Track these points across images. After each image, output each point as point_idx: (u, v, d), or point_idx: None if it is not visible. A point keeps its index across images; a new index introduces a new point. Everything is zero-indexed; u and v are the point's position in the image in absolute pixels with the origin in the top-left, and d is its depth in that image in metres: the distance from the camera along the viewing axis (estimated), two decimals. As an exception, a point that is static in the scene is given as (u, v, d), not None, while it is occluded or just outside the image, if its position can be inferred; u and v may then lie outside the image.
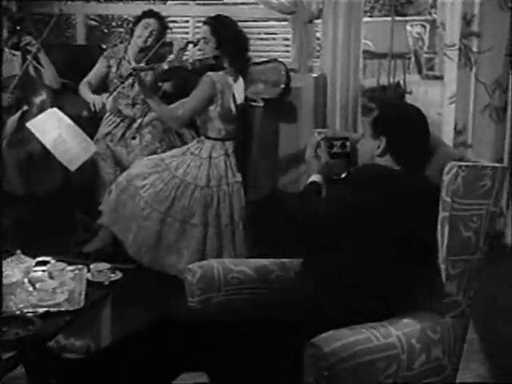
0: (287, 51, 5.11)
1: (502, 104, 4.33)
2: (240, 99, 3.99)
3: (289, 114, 4.80)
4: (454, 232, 2.25)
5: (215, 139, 3.94)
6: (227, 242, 3.89)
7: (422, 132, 2.41)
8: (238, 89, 3.97)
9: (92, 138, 4.31)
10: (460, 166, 2.21)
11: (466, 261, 2.30)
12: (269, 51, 5.16)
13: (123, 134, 4.50)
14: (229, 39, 3.88)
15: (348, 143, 2.58)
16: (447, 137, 4.47)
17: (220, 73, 3.87)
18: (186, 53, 4.18)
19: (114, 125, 4.53)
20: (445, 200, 2.24)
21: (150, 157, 4.11)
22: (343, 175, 2.57)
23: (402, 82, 8.45)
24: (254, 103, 4.11)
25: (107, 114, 4.55)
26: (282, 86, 4.72)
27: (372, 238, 2.26)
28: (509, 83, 4.31)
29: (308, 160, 2.57)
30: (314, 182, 2.50)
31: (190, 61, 3.90)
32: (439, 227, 2.27)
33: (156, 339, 2.28)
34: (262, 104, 4.12)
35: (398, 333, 2.14)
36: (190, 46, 4.12)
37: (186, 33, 5.47)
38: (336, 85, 4.82)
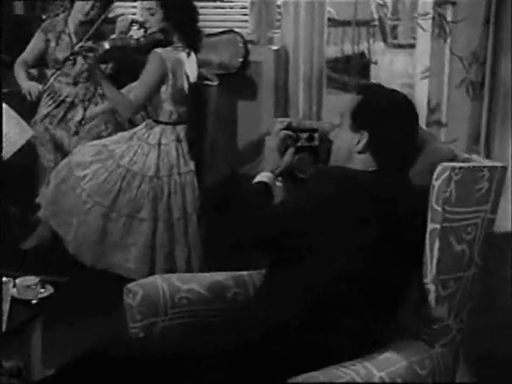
0: (245, 21, 4.68)
1: (478, 78, 3.97)
2: (193, 77, 3.58)
3: (247, 90, 4.45)
4: (445, 246, 1.87)
5: (165, 123, 3.54)
6: (179, 237, 3.54)
7: (411, 126, 2.02)
8: (191, 65, 3.57)
9: (31, 120, 3.86)
10: (453, 169, 1.82)
11: (459, 278, 1.93)
12: (224, 21, 4.71)
13: (64, 115, 4.05)
14: (178, 9, 3.47)
15: (316, 135, 2.18)
16: (420, 115, 4.13)
17: (169, 48, 3.48)
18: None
19: (54, 105, 4.08)
20: (435, 209, 1.86)
21: (93, 142, 3.69)
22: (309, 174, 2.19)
23: (366, 51, 8.07)
24: (207, 82, 3.67)
25: (46, 94, 4.08)
26: (240, 59, 4.36)
27: (341, 251, 1.87)
28: (486, 55, 3.95)
29: (266, 154, 2.15)
30: (261, 182, 2.07)
31: (135, 37, 3.46)
32: (427, 242, 1.89)
33: (89, 377, 1.88)
34: (216, 83, 3.69)
35: (382, 373, 1.76)
36: (135, 27, 3.67)
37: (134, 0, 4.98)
38: (299, 57, 4.44)
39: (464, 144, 3.97)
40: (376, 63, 8.02)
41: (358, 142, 1.98)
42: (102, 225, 3.44)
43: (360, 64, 7.57)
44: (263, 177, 2.08)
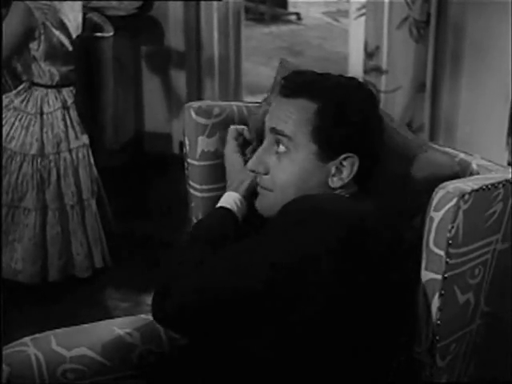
0: None
1: (423, 17, 3.51)
2: (75, 29, 2.85)
3: (152, 34, 3.78)
4: (448, 302, 1.29)
5: (47, 86, 2.83)
6: (75, 228, 2.89)
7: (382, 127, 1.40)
8: (71, 13, 2.86)
9: None
10: (462, 195, 1.22)
11: (461, 337, 1.36)
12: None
13: None
14: None
15: None
16: (356, 61, 3.73)
17: (40, -7, 2.76)
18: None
19: None
20: (434, 254, 1.26)
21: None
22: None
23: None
24: (99, 34, 2.95)
25: None
26: (141, -3, 3.73)
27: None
28: (431, -12, 3.56)
29: (228, 164, 1.47)
30: (221, 209, 1.39)
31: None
32: (420, 298, 1.30)
33: None
34: (111, 33, 2.97)
35: None
36: None
37: None
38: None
39: (407, 93, 3.55)
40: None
41: (337, 173, 1.32)
42: (-25, 218, 2.80)
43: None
44: (227, 201, 1.39)
